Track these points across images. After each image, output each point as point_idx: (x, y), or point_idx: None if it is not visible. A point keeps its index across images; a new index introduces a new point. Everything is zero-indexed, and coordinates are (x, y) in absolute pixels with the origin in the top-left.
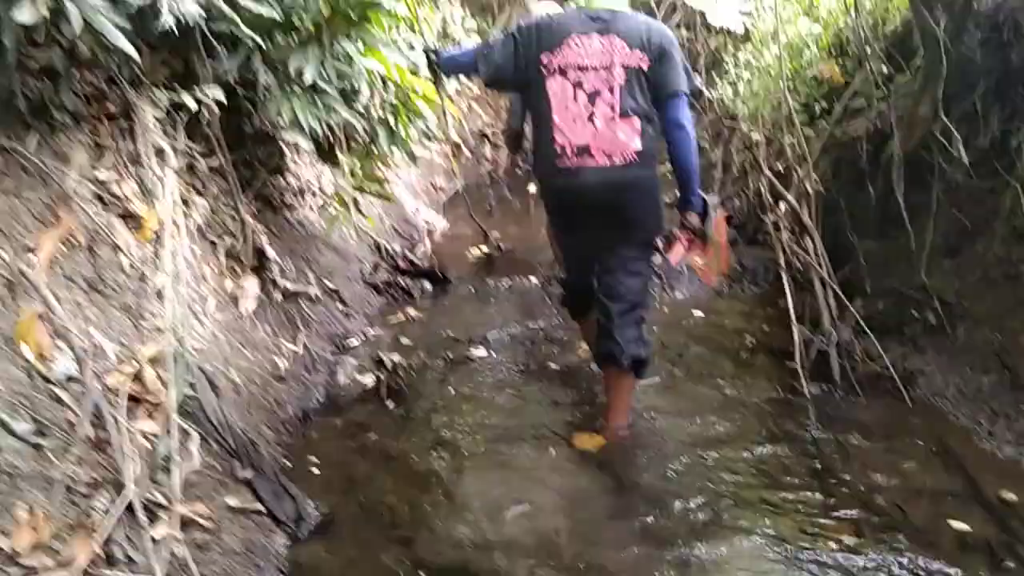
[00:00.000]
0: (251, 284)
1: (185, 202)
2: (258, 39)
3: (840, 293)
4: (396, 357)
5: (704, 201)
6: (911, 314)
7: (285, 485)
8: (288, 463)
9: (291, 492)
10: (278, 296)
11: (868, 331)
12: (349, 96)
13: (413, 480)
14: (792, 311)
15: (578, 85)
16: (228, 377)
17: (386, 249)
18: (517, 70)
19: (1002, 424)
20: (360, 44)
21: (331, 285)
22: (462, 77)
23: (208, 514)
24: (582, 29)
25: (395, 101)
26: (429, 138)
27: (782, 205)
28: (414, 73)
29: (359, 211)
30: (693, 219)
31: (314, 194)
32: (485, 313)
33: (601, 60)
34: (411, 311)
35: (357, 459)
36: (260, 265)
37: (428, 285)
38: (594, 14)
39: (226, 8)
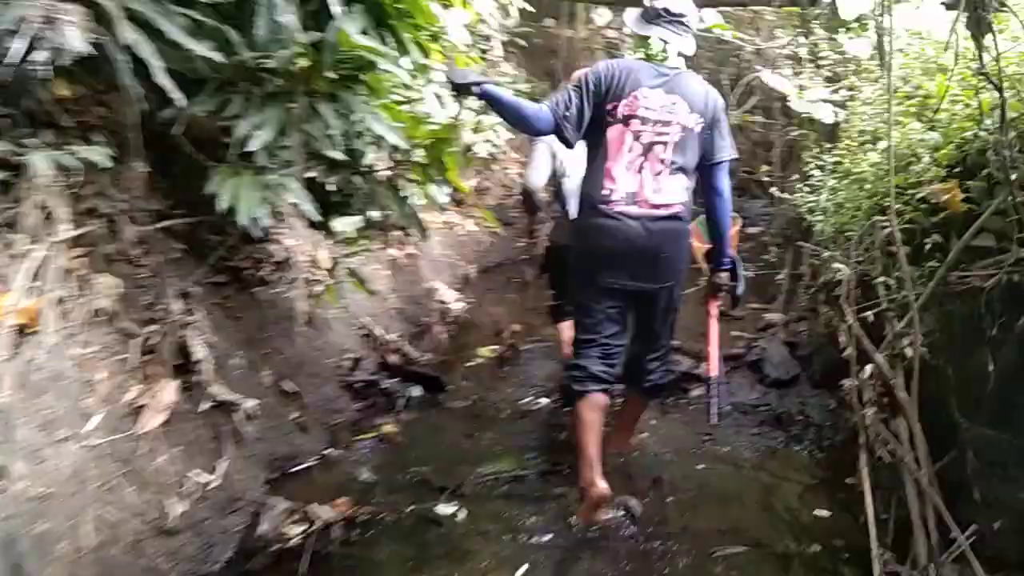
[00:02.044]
0: (166, 391)
1: (82, 281)
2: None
3: (945, 512)
4: (330, 513)
5: (733, 262)
6: None
7: None
8: None
9: None
10: (205, 405)
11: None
12: (347, 160)
13: None
14: (872, 528)
15: (636, 136)
16: (76, 537)
17: (378, 337)
18: (585, 120)
19: None
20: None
21: (290, 386)
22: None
23: None
24: (651, 83)
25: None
26: (442, 209)
27: (867, 368)
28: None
29: (360, 284)
30: (723, 276)
31: (300, 267)
32: (475, 442)
33: (662, 115)
34: (387, 427)
35: None
36: (187, 365)
37: (417, 391)
38: (663, 69)
39: (144, 45)
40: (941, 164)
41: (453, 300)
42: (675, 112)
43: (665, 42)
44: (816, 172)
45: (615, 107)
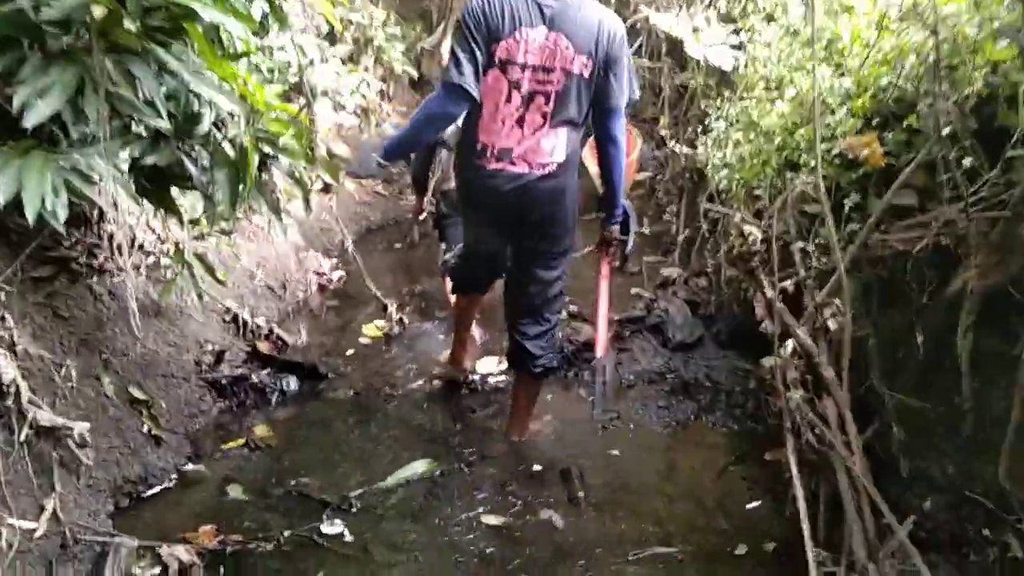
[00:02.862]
0: None
1: None
2: None
3: (882, 503)
4: (185, 556)
5: (625, 212)
6: (971, 531)
7: None
8: None
9: None
10: (24, 435)
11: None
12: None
13: None
14: (806, 526)
15: (515, 84)
16: None
17: (246, 322)
18: (481, 69)
19: None
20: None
21: (138, 392)
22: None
23: None
24: (530, 20)
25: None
26: (300, 182)
27: (789, 343)
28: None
29: (210, 272)
30: (615, 230)
31: (145, 249)
32: (362, 440)
33: (544, 61)
34: (259, 429)
35: None
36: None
37: (294, 382)
38: (547, 2)
39: None
40: (857, 115)
41: (330, 270)
42: (558, 56)
43: None
44: (717, 122)
45: (493, 51)
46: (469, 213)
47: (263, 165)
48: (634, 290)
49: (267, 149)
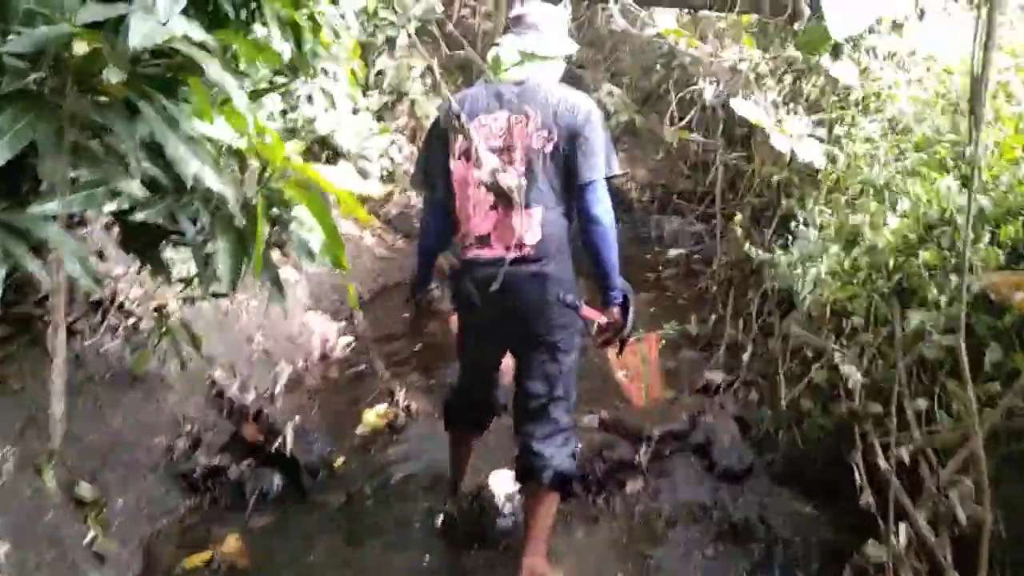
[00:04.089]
0: None
1: None
2: None
3: None
4: None
5: (625, 297)
6: None
7: None
8: None
9: None
10: None
11: None
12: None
13: None
14: None
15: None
16: None
17: (231, 400)
18: (439, 172)
19: None
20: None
21: (88, 490)
22: None
23: None
24: (487, 107)
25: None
26: (312, 257)
27: (903, 530)
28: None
29: (195, 343)
30: (614, 313)
31: (126, 308)
32: (349, 569)
33: (504, 141)
34: (229, 543)
35: None
36: None
37: (278, 480)
38: (500, 89)
39: None
40: (1004, 245)
41: (336, 335)
42: (517, 134)
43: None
44: (806, 228)
45: (455, 144)
46: (460, 317)
47: (272, 237)
48: (669, 392)
49: (277, 211)
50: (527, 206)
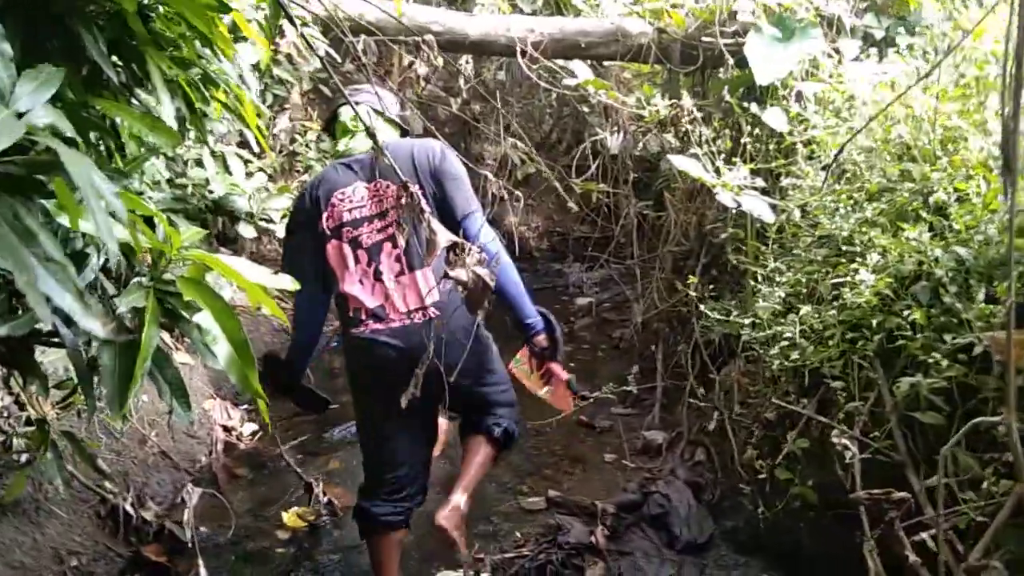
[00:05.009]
0: None
1: None
2: None
3: None
4: None
5: (547, 318)
6: None
7: None
8: None
9: None
10: None
11: None
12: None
13: None
14: None
15: (355, 243)
16: None
17: (129, 516)
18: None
19: None
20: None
21: None
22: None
23: None
24: (345, 181)
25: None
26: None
27: None
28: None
29: (83, 455)
30: (540, 341)
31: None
32: None
33: (372, 209)
34: None
35: None
36: None
37: None
38: (351, 161)
39: None
40: (1001, 300)
41: (240, 422)
42: (386, 197)
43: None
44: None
45: (320, 225)
46: (363, 401)
47: (161, 351)
48: (609, 455)
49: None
50: (419, 267)
